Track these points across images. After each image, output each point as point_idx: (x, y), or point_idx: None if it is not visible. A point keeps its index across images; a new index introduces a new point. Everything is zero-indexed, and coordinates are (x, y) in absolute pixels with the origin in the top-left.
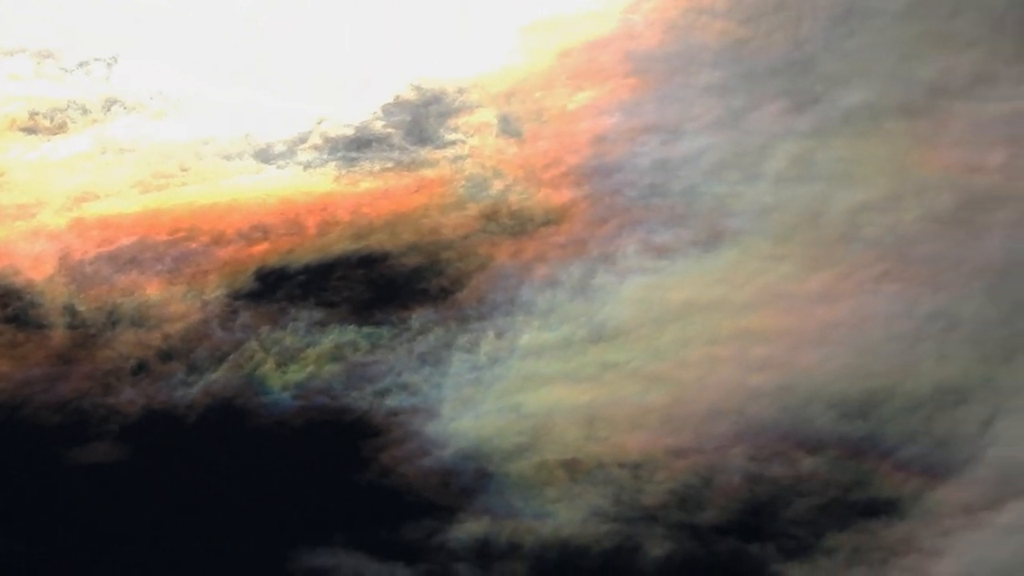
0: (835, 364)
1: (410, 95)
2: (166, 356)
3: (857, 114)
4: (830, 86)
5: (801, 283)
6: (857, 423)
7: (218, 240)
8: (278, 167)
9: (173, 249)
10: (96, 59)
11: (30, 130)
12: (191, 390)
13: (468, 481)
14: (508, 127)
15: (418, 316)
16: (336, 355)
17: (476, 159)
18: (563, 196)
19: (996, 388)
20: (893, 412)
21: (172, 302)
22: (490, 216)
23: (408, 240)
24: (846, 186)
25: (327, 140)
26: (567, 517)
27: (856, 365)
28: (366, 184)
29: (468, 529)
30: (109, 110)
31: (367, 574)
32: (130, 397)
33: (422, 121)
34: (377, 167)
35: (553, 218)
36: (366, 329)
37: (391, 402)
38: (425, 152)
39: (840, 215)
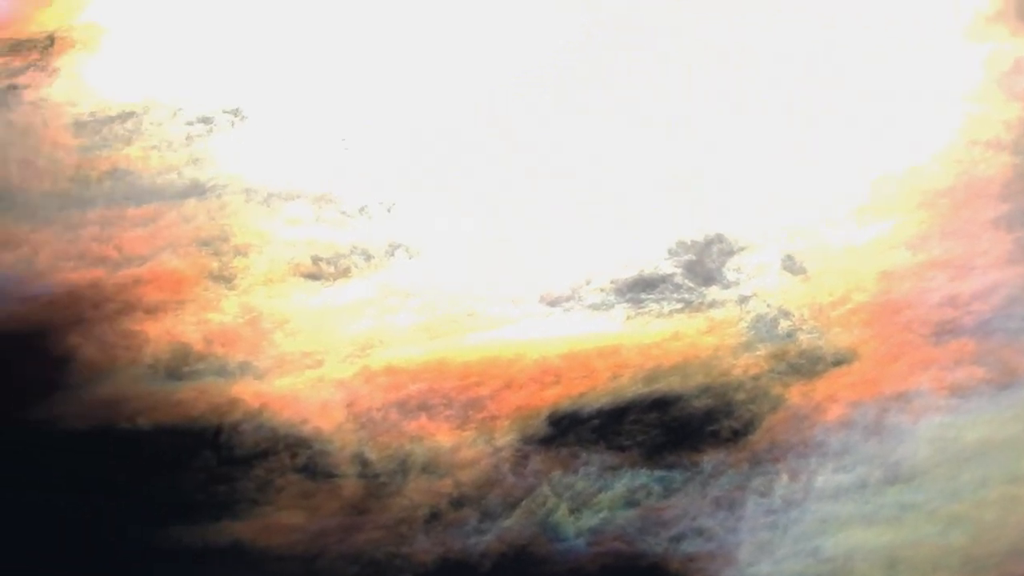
0: None
1: (693, 234)
2: (458, 503)
3: None
4: None
5: None
6: None
7: (509, 385)
8: (565, 310)
9: (463, 395)
10: (377, 202)
11: (313, 276)
12: (485, 537)
13: None
14: (792, 265)
15: (710, 459)
16: (629, 500)
17: (762, 298)
18: (852, 335)
19: None
20: None
21: (463, 448)
22: (780, 356)
23: (699, 382)
24: None
25: (613, 282)
26: None
27: None
28: (656, 326)
29: None
30: (392, 255)
31: None
32: (424, 546)
33: (705, 261)
34: (666, 309)
35: (843, 357)
36: (658, 473)
37: (687, 547)
38: (711, 292)
39: None
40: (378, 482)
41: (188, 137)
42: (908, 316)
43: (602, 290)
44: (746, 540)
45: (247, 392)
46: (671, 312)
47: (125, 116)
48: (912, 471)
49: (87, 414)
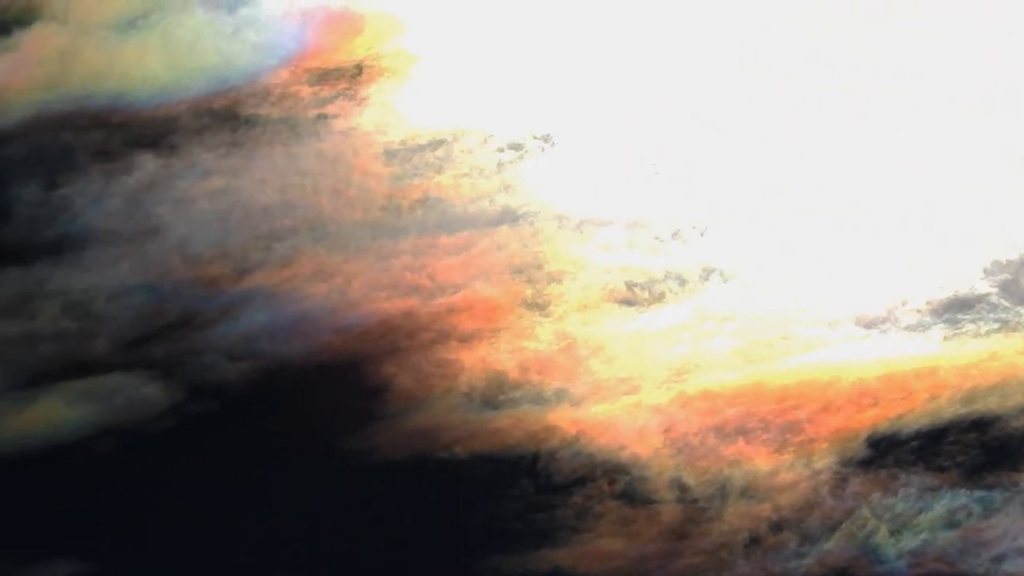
0: None
1: (1008, 253)
2: (778, 527)
3: None
4: None
5: None
6: None
7: (826, 408)
8: (881, 332)
9: (780, 418)
10: (690, 227)
11: (627, 302)
12: (805, 561)
13: None
14: None
15: None
16: (949, 521)
17: None
18: None
19: None
20: None
21: (781, 472)
22: None
23: (1018, 402)
24: None
25: (929, 303)
26: None
27: None
28: (973, 347)
29: None
30: (706, 279)
31: None
32: (744, 570)
33: (1021, 280)
34: (982, 329)
35: None
36: (978, 493)
37: (1008, 567)
38: None
39: None
40: (697, 507)
41: (499, 164)
42: None
43: (918, 311)
44: None
45: (563, 419)
46: (988, 332)
47: (435, 144)
48: None
49: (403, 444)
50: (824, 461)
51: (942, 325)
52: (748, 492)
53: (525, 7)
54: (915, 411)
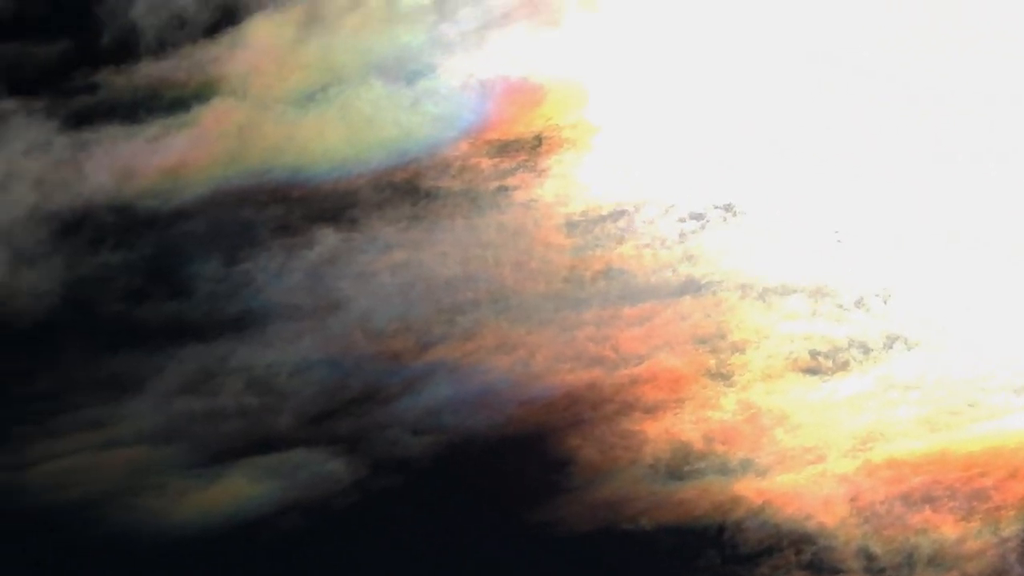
0: None
1: None
2: None
3: None
4: None
5: None
6: None
7: (1014, 475)
8: None
9: (967, 486)
10: (873, 295)
11: (811, 371)
12: None
13: None
14: None
15: None
16: None
17: None
18: None
19: None
20: None
21: (968, 540)
22: None
23: None
24: None
25: None
26: None
27: None
28: None
29: None
30: (890, 347)
31: None
32: None
33: None
34: None
35: None
36: None
37: None
38: None
39: None
40: None
41: (681, 234)
42: None
43: None
44: None
45: (749, 489)
46: None
47: (617, 214)
48: None
49: (589, 516)
50: (1012, 528)
51: None
52: (936, 560)
53: (705, 77)
54: None
